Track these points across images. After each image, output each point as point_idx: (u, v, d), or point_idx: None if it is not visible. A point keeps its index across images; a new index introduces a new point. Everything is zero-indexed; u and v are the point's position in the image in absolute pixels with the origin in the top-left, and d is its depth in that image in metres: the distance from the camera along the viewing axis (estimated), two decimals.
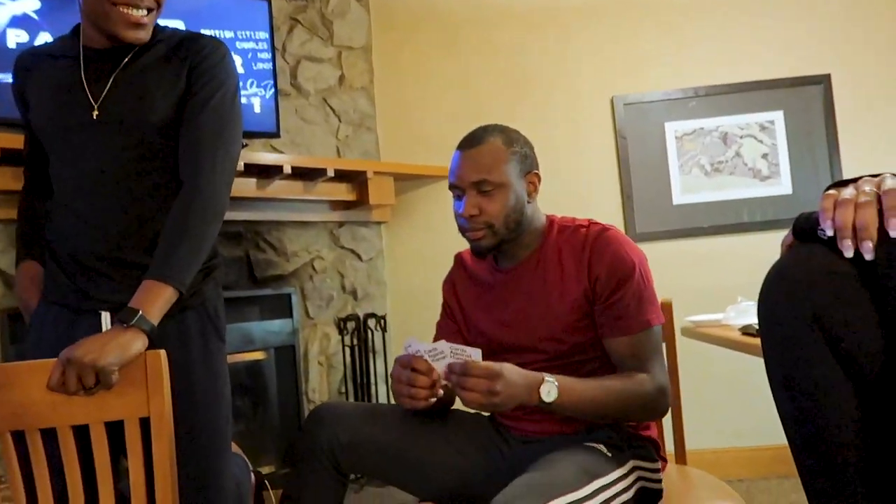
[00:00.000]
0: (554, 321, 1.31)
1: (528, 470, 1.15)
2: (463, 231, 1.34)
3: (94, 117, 1.27)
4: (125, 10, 1.24)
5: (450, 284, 1.50)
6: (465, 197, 1.31)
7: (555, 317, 1.31)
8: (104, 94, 1.29)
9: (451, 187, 1.34)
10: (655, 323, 1.29)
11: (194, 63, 1.32)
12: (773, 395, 0.83)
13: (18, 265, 1.42)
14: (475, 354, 1.13)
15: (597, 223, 1.36)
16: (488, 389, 1.10)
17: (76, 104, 1.29)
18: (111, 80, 1.30)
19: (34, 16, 2.03)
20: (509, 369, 1.14)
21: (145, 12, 1.26)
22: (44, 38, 2.02)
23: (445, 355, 1.15)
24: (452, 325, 1.46)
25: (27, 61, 1.38)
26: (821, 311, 0.76)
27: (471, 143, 1.33)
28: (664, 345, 1.63)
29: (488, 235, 1.31)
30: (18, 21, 2.00)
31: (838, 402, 0.76)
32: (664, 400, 1.26)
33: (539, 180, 1.37)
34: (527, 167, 1.34)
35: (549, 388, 1.16)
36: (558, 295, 1.31)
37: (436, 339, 1.48)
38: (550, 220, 1.40)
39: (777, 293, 0.80)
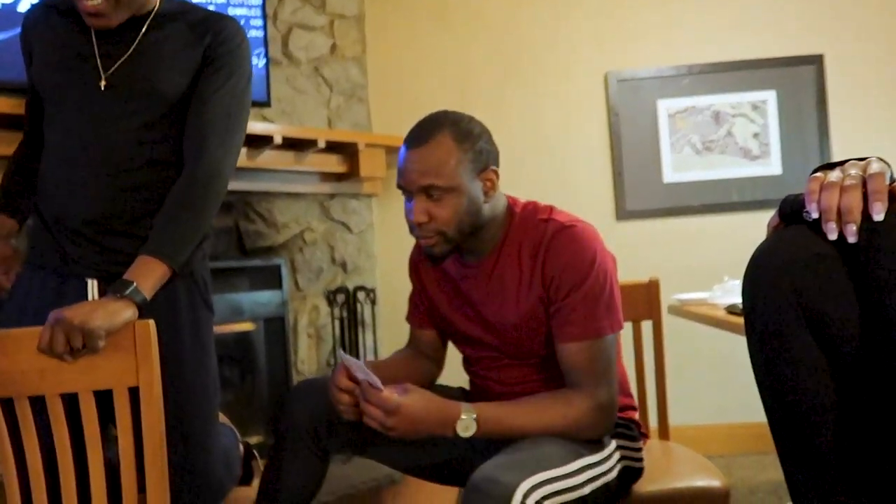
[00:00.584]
0: (513, 324, 1.26)
1: (510, 446, 1.14)
2: (414, 235, 1.26)
3: (103, 87, 1.27)
4: (81, 3, 1.23)
5: (413, 265, 1.43)
6: (414, 201, 1.20)
7: (514, 319, 1.25)
8: (117, 65, 1.28)
9: (399, 188, 1.23)
10: (608, 332, 1.19)
11: (212, 44, 1.31)
12: (755, 375, 0.84)
13: None
14: (376, 383, 1.13)
15: (558, 218, 1.24)
16: (381, 423, 1.11)
17: (84, 70, 1.28)
18: (127, 51, 1.28)
19: None
20: (413, 404, 1.11)
21: (99, 1, 1.23)
22: None
23: (358, 374, 1.15)
24: (421, 304, 1.42)
25: (37, 14, 1.36)
26: (802, 293, 0.77)
27: (417, 140, 1.19)
28: (650, 322, 1.65)
29: (441, 242, 1.22)
30: None
31: (817, 384, 0.78)
32: (603, 418, 1.19)
33: (497, 176, 1.24)
34: (482, 164, 1.21)
35: (467, 424, 1.13)
36: (515, 299, 1.25)
37: (408, 313, 1.46)
38: (512, 210, 1.28)
39: (760, 274, 0.81)
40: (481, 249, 1.28)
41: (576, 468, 1.14)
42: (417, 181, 1.19)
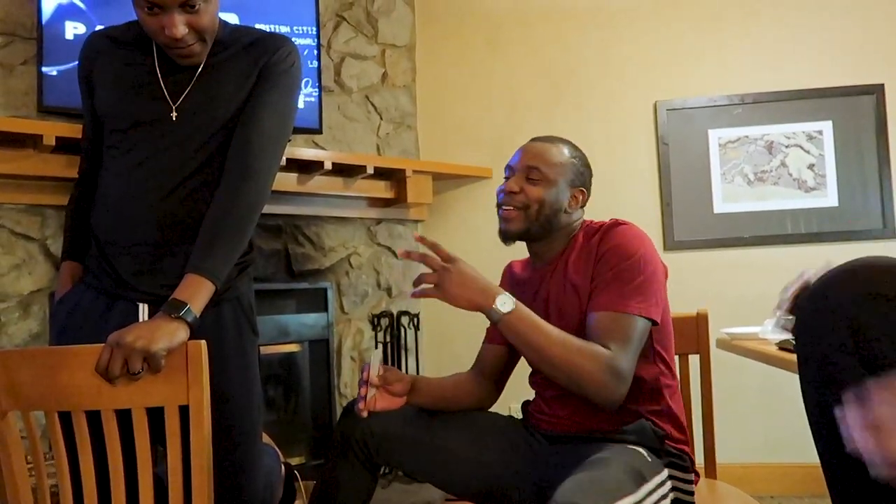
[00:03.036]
0: (578, 311, 1.32)
1: (579, 468, 1.13)
2: (498, 206, 1.40)
3: (174, 118, 1.30)
4: (176, 50, 1.29)
5: (503, 281, 1.55)
6: (515, 177, 1.39)
7: (579, 307, 1.32)
8: (184, 95, 1.31)
9: (506, 169, 1.42)
10: (636, 312, 1.24)
11: (267, 64, 1.35)
12: (808, 417, 0.82)
13: (62, 263, 1.43)
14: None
15: (616, 220, 1.37)
16: (442, 267, 1.21)
17: (155, 101, 1.31)
18: (190, 79, 1.32)
19: (81, 4, 2.08)
20: (466, 266, 1.23)
21: (194, 46, 1.29)
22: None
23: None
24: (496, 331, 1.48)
25: (98, 44, 1.38)
26: (859, 333, 0.74)
27: (543, 138, 1.44)
28: (698, 356, 1.61)
29: (519, 217, 1.37)
30: (64, 9, 2.06)
31: None
32: (615, 384, 1.19)
33: (584, 197, 1.42)
34: (578, 181, 1.41)
35: (505, 300, 1.20)
36: (580, 296, 1.33)
37: (486, 333, 1.52)
38: (584, 224, 1.43)
39: (815, 314, 0.78)
40: (548, 255, 1.42)
41: (644, 494, 1.14)
42: (527, 161, 1.39)
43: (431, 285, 1.22)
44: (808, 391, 0.81)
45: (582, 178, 1.42)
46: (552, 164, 1.38)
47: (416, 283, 1.25)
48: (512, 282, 1.51)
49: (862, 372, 0.74)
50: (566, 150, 1.42)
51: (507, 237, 1.40)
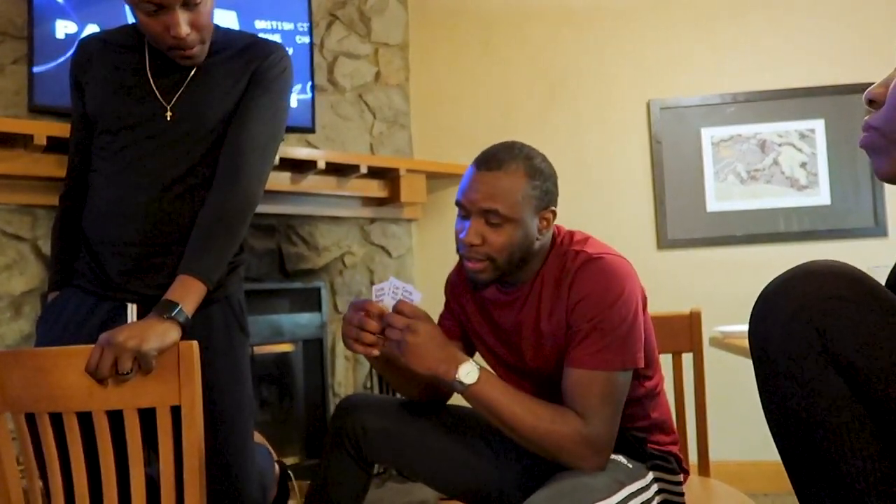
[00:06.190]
0: (535, 349, 1.26)
1: (556, 476, 1.12)
2: (461, 256, 1.24)
3: (168, 118, 1.31)
4: (179, 51, 1.29)
5: (451, 285, 1.42)
6: (471, 221, 1.19)
7: (537, 345, 1.25)
8: (177, 96, 1.32)
9: (458, 204, 1.22)
10: (617, 367, 1.15)
11: (258, 69, 1.35)
12: (771, 429, 0.80)
13: (49, 292, 1.39)
14: (416, 297, 1.14)
15: (588, 249, 1.21)
16: (406, 326, 1.11)
17: (148, 101, 1.32)
18: (181, 81, 1.33)
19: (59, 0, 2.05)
20: (435, 329, 1.13)
21: (196, 46, 1.29)
22: (91, 29, 2.08)
23: (395, 294, 1.15)
24: (450, 321, 1.41)
25: (90, 47, 1.38)
26: (826, 336, 0.72)
27: (491, 163, 1.18)
28: (691, 355, 1.62)
29: (488, 269, 1.20)
30: (55, 8, 2.04)
31: (858, 440, 0.73)
32: (589, 453, 1.12)
33: (554, 216, 1.24)
34: (545, 203, 1.21)
35: (469, 370, 1.11)
36: (543, 326, 1.24)
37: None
38: (554, 240, 1.28)
39: (781, 319, 0.75)
40: (522, 279, 1.28)
41: (622, 497, 1.13)
42: (481, 203, 1.17)
43: (395, 343, 1.12)
44: (770, 393, 0.79)
45: (549, 198, 1.21)
46: (511, 200, 1.16)
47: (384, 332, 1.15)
48: (473, 293, 1.35)
49: (836, 377, 0.73)
50: (523, 172, 1.18)
51: (479, 287, 1.26)
